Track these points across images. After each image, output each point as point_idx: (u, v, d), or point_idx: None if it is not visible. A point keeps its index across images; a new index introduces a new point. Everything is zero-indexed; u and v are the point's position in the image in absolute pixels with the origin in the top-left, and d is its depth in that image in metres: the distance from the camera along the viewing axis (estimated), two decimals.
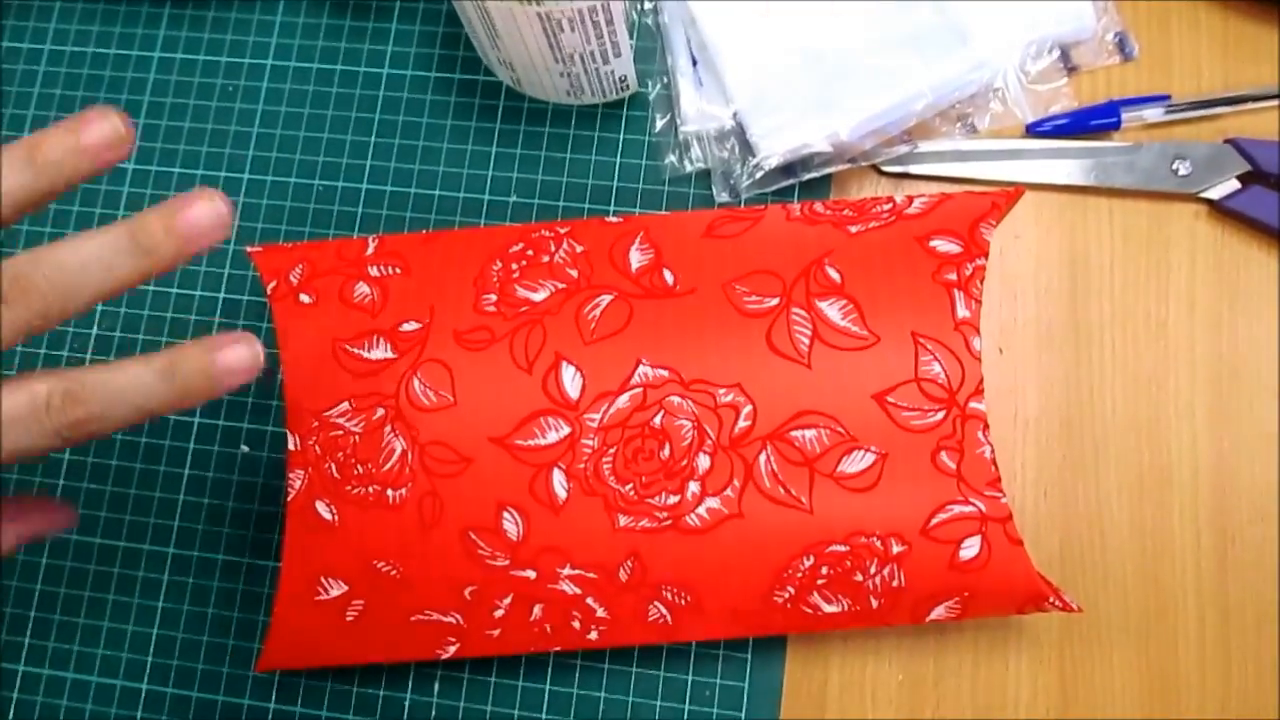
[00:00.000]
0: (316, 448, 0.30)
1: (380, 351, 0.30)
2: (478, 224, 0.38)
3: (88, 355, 0.38)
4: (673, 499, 0.29)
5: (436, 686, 0.34)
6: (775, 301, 0.30)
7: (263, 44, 0.40)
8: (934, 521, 0.29)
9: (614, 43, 0.34)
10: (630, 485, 0.29)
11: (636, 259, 0.31)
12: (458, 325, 0.30)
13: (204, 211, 0.25)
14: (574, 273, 0.31)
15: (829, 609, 0.30)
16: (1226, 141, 0.36)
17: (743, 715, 0.33)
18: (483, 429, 0.29)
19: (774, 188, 0.37)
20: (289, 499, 0.30)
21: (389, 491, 0.29)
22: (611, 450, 0.29)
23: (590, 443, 0.29)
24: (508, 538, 0.29)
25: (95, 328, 0.38)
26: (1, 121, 0.40)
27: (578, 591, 0.30)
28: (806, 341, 0.29)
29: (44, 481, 0.37)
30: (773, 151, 0.36)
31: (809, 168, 0.37)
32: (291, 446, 0.30)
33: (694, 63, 0.38)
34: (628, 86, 0.37)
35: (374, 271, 0.31)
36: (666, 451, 0.29)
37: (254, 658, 0.35)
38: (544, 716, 0.34)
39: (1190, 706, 0.33)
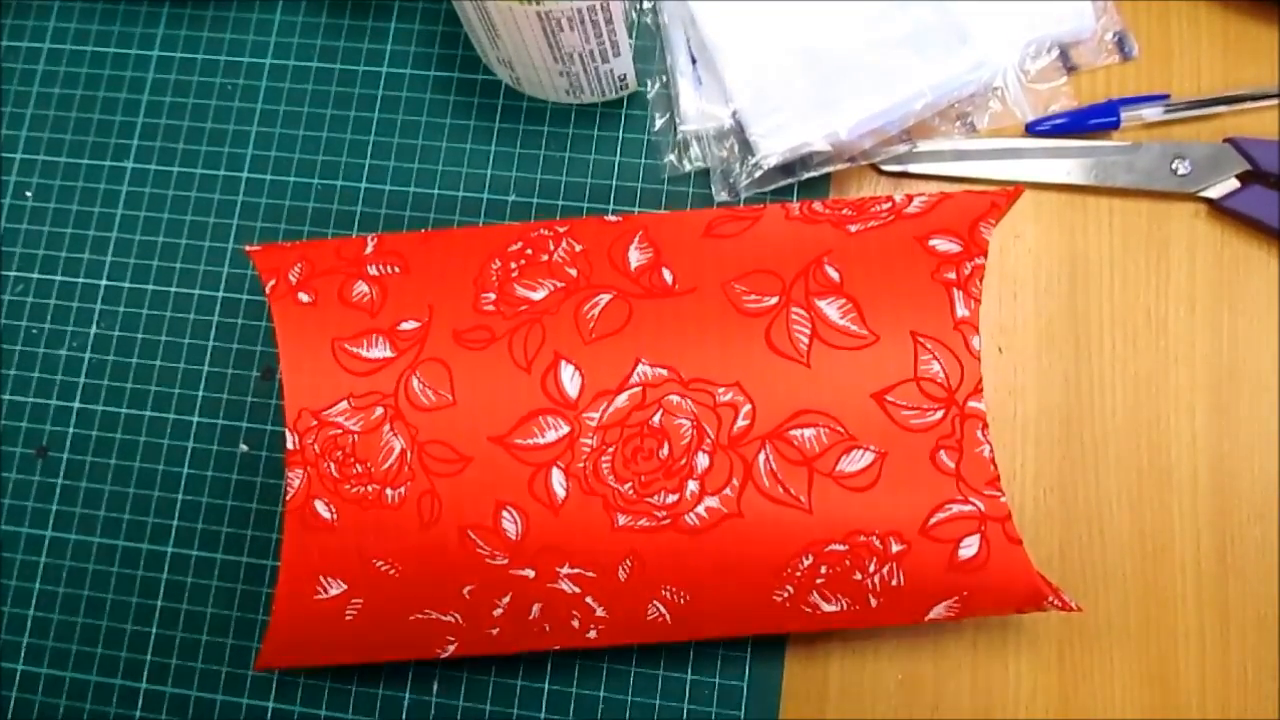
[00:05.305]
0: (315, 447, 0.30)
1: (379, 350, 0.30)
2: (477, 223, 0.38)
3: (86, 354, 0.38)
4: (672, 498, 0.29)
5: (435, 685, 0.34)
6: (774, 300, 0.30)
7: (262, 43, 0.40)
8: (933, 520, 0.28)
9: (613, 42, 0.34)
10: (629, 484, 0.29)
11: (635, 258, 0.31)
12: (457, 324, 0.30)
13: None
14: (573, 272, 0.31)
15: (828, 608, 0.30)
16: (1226, 141, 0.36)
17: (742, 714, 0.33)
18: (482, 428, 0.29)
19: (773, 187, 0.37)
20: (288, 498, 0.30)
21: (388, 490, 0.29)
22: (610, 449, 0.29)
23: (589, 442, 0.29)
24: (506, 537, 0.29)
25: (94, 327, 0.38)
26: (1, 121, 0.40)
27: (576, 590, 0.29)
28: (806, 340, 0.29)
29: (43, 480, 0.37)
30: (772, 151, 0.36)
31: (808, 167, 0.37)
32: (290, 445, 0.30)
33: (693, 62, 0.38)
34: (627, 86, 0.37)
35: (373, 270, 0.31)
36: (665, 450, 0.29)
37: (252, 657, 0.35)
38: (543, 715, 0.34)
39: (1190, 707, 0.33)
